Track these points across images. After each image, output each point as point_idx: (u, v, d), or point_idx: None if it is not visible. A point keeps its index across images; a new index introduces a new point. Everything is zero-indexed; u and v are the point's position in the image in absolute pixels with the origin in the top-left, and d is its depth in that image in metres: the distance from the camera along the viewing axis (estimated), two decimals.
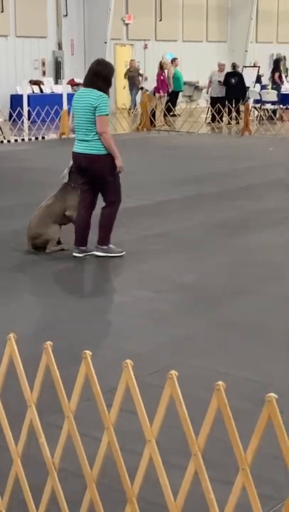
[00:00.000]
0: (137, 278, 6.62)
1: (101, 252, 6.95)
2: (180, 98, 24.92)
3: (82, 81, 26.61)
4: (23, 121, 18.42)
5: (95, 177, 6.85)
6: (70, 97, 19.77)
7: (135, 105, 23.82)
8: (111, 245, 6.98)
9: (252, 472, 2.16)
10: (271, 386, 3.93)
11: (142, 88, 23.17)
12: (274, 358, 4.65)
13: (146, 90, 22.04)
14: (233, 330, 5.19)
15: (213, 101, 21.49)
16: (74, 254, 7.00)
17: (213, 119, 20.95)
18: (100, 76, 6.75)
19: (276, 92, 23.30)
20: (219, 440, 2.55)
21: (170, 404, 2.27)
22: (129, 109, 24.17)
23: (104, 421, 2.40)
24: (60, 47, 24.93)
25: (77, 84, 23.49)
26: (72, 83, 23.30)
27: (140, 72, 25.12)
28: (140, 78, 24.75)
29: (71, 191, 7.05)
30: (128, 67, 25.34)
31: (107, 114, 6.71)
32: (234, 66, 22.62)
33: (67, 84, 21.76)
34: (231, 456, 2.23)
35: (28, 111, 18.92)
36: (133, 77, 24.59)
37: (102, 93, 6.69)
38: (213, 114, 20.93)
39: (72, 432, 2.48)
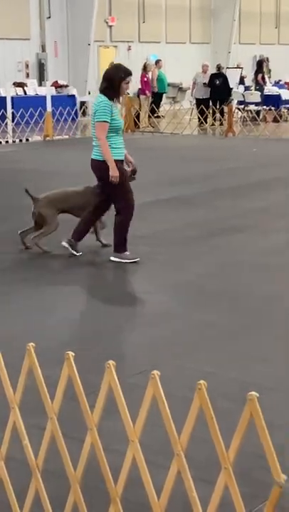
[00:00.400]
0: (125, 279, 6.63)
1: (115, 258, 6.93)
2: (164, 99, 24.98)
3: (66, 83, 26.49)
4: (6, 124, 18.38)
5: (101, 182, 6.87)
6: (53, 99, 19.79)
7: None
8: (127, 252, 6.93)
9: (235, 471, 2.17)
10: (255, 385, 3.95)
11: None
12: (260, 358, 4.67)
13: (128, 93, 22.04)
14: (220, 330, 5.21)
15: (199, 102, 21.56)
16: (62, 243, 7.02)
17: (202, 120, 21.05)
18: (105, 79, 6.78)
19: (259, 93, 23.39)
20: (202, 440, 2.55)
21: (154, 405, 2.28)
22: None
23: (88, 421, 2.40)
24: (43, 49, 24.91)
25: (61, 86, 23.48)
26: (56, 85, 23.28)
27: None
28: None
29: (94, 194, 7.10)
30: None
31: (104, 121, 6.63)
32: (219, 67, 22.69)
33: (51, 86, 21.73)
34: (215, 456, 2.24)
35: (12, 113, 18.88)
36: None
37: (104, 99, 6.66)
38: (202, 116, 21.02)
39: (55, 433, 2.48)
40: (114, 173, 6.63)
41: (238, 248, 7.62)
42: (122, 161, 6.85)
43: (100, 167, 6.74)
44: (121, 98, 6.95)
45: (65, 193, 7.32)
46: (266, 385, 4.14)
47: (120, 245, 6.91)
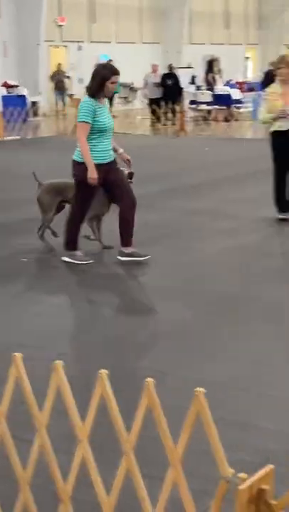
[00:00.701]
0: (76, 278, 6.61)
1: (66, 258, 6.91)
2: (116, 99, 24.99)
3: (16, 83, 26.33)
4: None
5: (75, 181, 6.79)
6: (4, 99, 19.62)
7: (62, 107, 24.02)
8: (78, 252, 6.91)
9: (185, 468, 2.18)
10: (213, 383, 3.98)
11: (71, 95, 23.17)
12: (218, 356, 4.71)
13: (72, 95, 22.11)
14: (176, 329, 5.24)
15: (152, 102, 21.64)
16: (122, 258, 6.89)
17: (154, 120, 21.15)
18: (91, 78, 6.67)
19: (210, 92, 23.57)
20: (153, 438, 2.57)
21: (104, 404, 2.28)
22: (63, 112, 24.19)
23: (36, 422, 2.39)
24: None
25: (11, 86, 23.30)
26: (6, 85, 23.08)
27: (67, 75, 25.15)
28: (67, 81, 24.83)
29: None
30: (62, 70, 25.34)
31: (84, 121, 6.51)
32: (171, 67, 22.79)
33: (2, 86, 21.55)
34: (165, 453, 2.25)
35: None
36: (59, 80, 24.72)
37: (87, 99, 6.57)
38: (154, 116, 21.11)
39: (3, 435, 2.46)
40: (92, 175, 6.52)
41: (194, 247, 7.65)
42: (106, 164, 6.67)
43: (73, 167, 6.67)
44: (106, 100, 6.76)
45: (68, 183, 7.17)
46: (214, 381, 4.17)
47: (69, 243, 6.89)
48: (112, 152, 6.80)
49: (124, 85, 27.28)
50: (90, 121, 6.53)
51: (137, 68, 26.60)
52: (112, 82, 6.59)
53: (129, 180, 7.10)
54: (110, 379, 2.28)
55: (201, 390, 2.09)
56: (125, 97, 27.85)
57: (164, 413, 2.19)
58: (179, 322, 5.38)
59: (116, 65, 26.10)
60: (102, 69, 6.70)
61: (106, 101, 6.77)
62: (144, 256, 6.82)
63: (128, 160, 7.02)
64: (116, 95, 24.69)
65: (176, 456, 2.13)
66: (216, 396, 3.93)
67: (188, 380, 4.23)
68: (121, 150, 6.98)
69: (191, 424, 2.10)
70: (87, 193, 6.73)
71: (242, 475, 1.96)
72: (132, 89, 28.00)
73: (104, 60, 24.39)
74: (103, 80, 6.55)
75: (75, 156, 6.68)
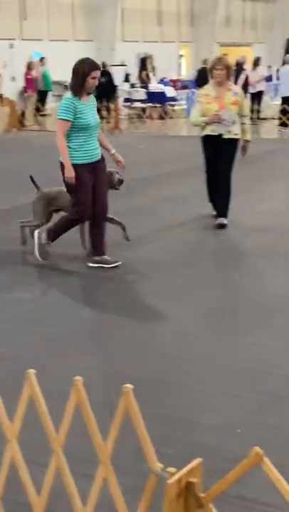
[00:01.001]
0: (11, 277, 6.55)
1: (36, 240, 6.82)
2: (50, 97, 24.83)
3: None
4: None
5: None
6: None
7: None
8: (47, 245, 6.83)
9: (116, 464, 2.19)
10: (143, 380, 4.00)
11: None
12: (132, 351, 4.74)
13: (1, 95, 21.97)
14: (109, 326, 5.24)
15: None
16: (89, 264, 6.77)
17: None
18: (72, 74, 6.47)
19: (144, 90, 23.65)
20: (83, 435, 2.56)
21: (34, 404, 2.27)
22: None
23: None
24: None
25: None
26: None
27: None
28: None
29: None
30: None
31: (63, 119, 6.32)
32: (104, 65, 22.76)
33: None
34: (95, 450, 2.25)
35: None
36: None
37: (68, 96, 6.40)
38: None
39: None
40: (68, 173, 6.35)
41: (127, 248, 7.66)
42: (93, 162, 6.51)
43: (60, 166, 6.48)
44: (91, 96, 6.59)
45: (61, 190, 6.94)
46: (156, 379, 4.20)
47: (50, 233, 6.81)
48: (98, 151, 6.61)
49: (58, 83, 27.14)
50: (70, 119, 6.35)
51: (70, 66, 26.30)
52: (93, 78, 6.40)
53: (116, 187, 6.99)
54: (39, 378, 2.27)
55: (129, 386, 2.10)
56: (59, 95, 27.69)
57: (96, 411, 2.20)
58: (111, 320, 5.39)
59: (49, 62, 25.70)
60: (82, 64, 6.46)
61: (90, 98, 6.55)
62: (114, 263, 6.69)
63: (120, 162, 6.84)
64: (49, 93, 24.55)
65: (105, 453, 2.14)
66: (147, 392, 3.96)
67: (120, 377, 4.25)
68: (113, 150, 6.80)
69: (119, 420, 2.11)
70: (81, 193, 6.50)
71: (170, 469, 1.98)
72: (66, 87, 27.86)
73: (36, 58, 24.22)
74: (84, 76, 6.37)
75: (60, 158, 6.50)
